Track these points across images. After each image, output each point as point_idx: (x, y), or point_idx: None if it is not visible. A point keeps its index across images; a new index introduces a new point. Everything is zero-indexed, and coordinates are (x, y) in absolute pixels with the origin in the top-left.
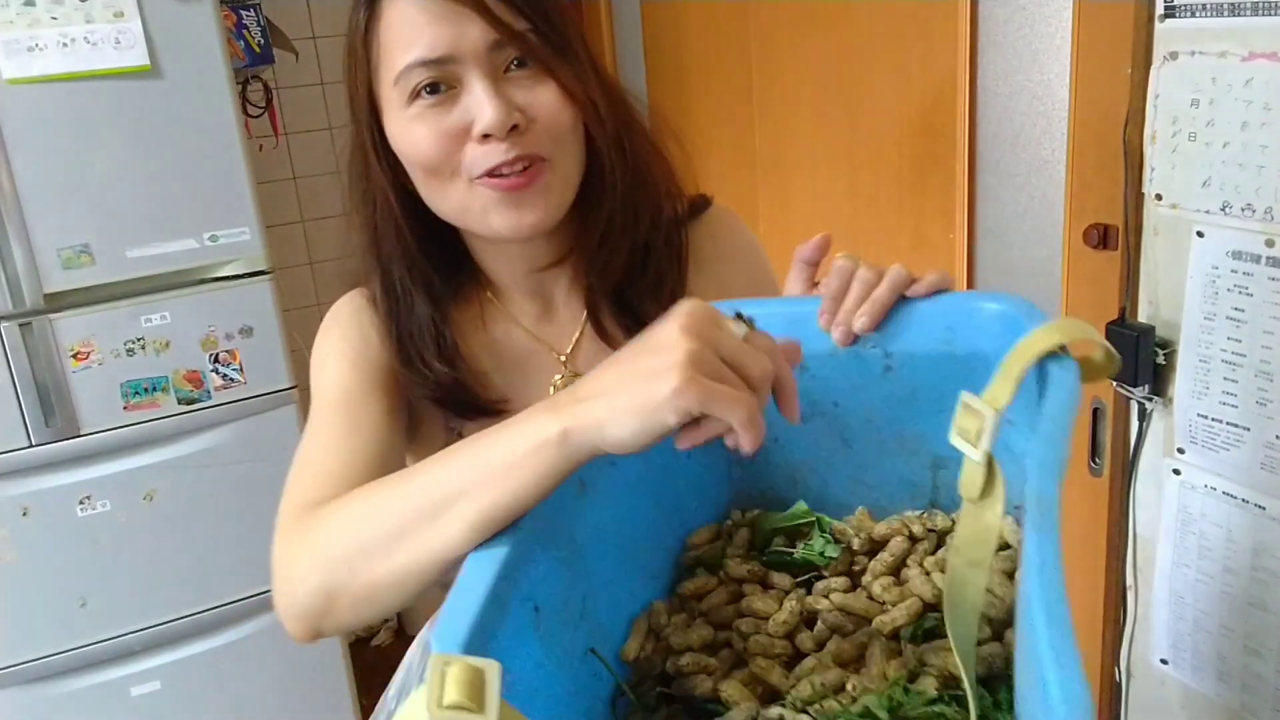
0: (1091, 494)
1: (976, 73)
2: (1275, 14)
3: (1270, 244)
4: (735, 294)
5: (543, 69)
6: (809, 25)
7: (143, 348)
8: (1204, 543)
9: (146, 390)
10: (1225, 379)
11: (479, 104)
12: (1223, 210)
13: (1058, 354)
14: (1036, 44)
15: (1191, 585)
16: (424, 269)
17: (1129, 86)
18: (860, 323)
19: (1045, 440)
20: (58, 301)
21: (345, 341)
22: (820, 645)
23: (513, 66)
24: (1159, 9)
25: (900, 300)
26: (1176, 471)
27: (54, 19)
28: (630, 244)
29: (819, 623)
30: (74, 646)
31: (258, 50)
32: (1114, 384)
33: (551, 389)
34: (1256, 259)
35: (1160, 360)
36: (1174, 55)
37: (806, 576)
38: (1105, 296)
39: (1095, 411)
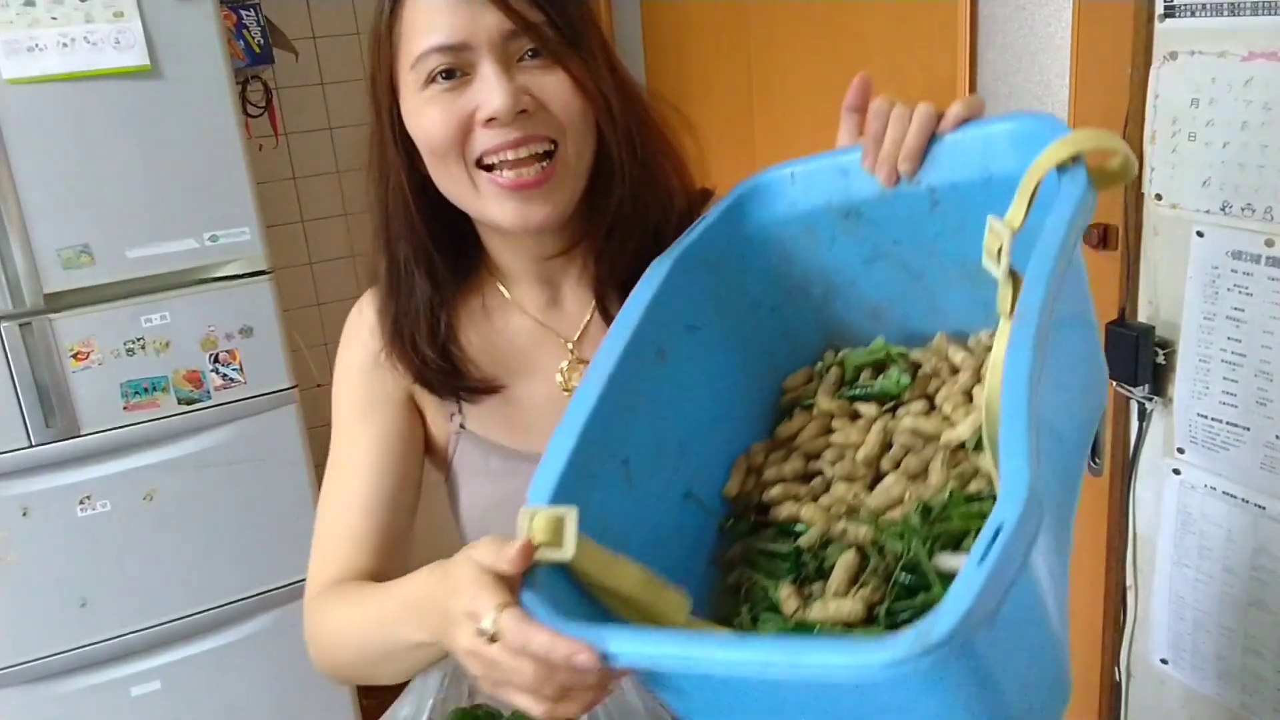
0: (1091, 494)
1: (976, 73)
2: (1275, 14)
3: (1270, 244)
4: None
5: (554, 59)
6: (809, 25)
7: (143, 348)
8: (1204, 543)
9: (146, 390)
10: (1225, 379)
11: (488, 88)
12: (1223, 210)
13: (1069, 165)
14: (1036, 44)
15: (1191, 585)
16: (428, 251)
17: (1129, 86)
18: (903, 167)
19: (1039, 253)
20: (58, 301)
21: (356, 356)
22: (897, 465)
23: (526, 56)
24: (1159, 9)
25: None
26: (1176, 471)
27: (54, 19)
28: (639, 234)
29: (895, 444)
30: (74, 646)
31: (258, 50)
32: (1114, 384)
33: (559, 375)
34: (1256, 259)
35: (1160, 360)
36: (1174, 55)
37: (891, 405)
38: (1105, 296)
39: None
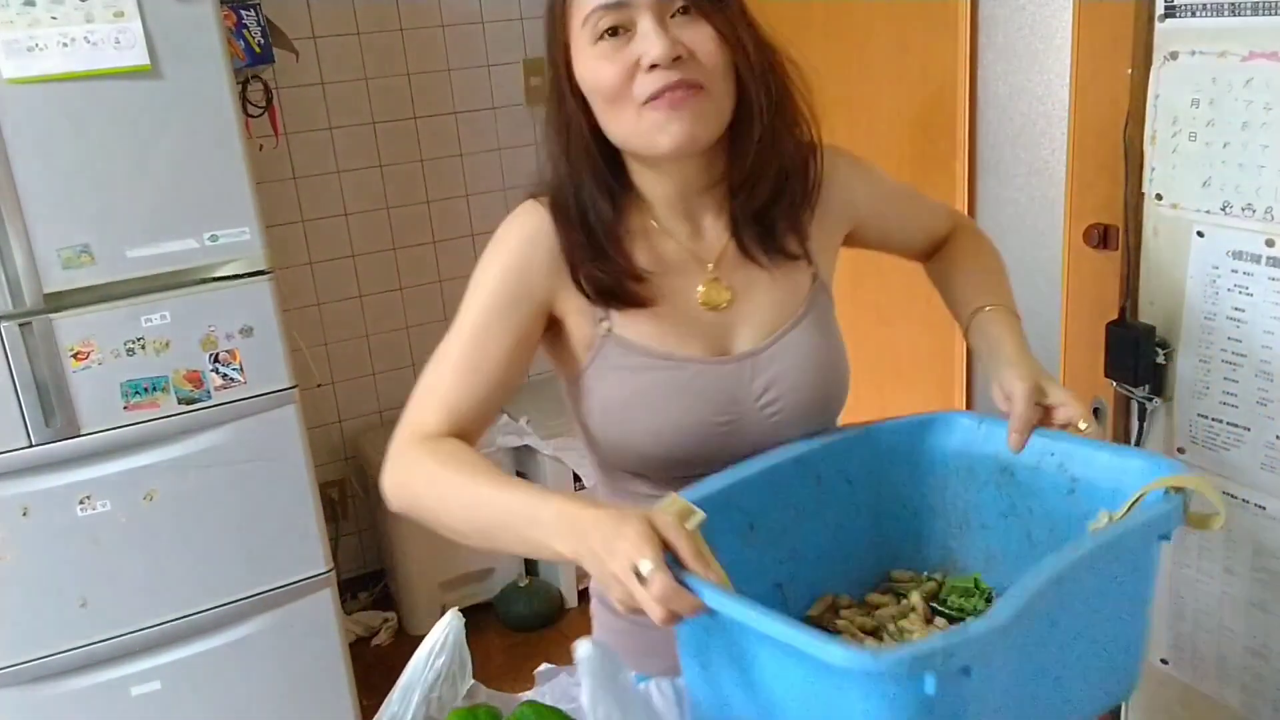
0: None
1: (976, 73)
2: (1275, 14)
3: (1270, 244)
4: (854, 214)
5: (701, 15)
6: (809, 25)
7: (143, 348)
8: (1204, 543)
9: (146, 390)
10: (1225, 379)
11: (648, 39)
12: (1223, 210)
13: (1176, 492)
14: (1036, 44)
15: (1191, 585)
16: (607, 179)
17: (1129, 86)
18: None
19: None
20: (58, 301)
21: (510, 256)
22: None
23: (677, 13)
24: (1159, 9)
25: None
26: None
27: (54, 19)
28: (774, 173)
29: None
30: (74, 646)
31: (258, 50)
32: (1114, 384)
33: (698, 289)
34: (1256, 259)
35: (1160, 360)
36: (1174, 55)
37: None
38: (1105, 296)
39: (1095, 411)
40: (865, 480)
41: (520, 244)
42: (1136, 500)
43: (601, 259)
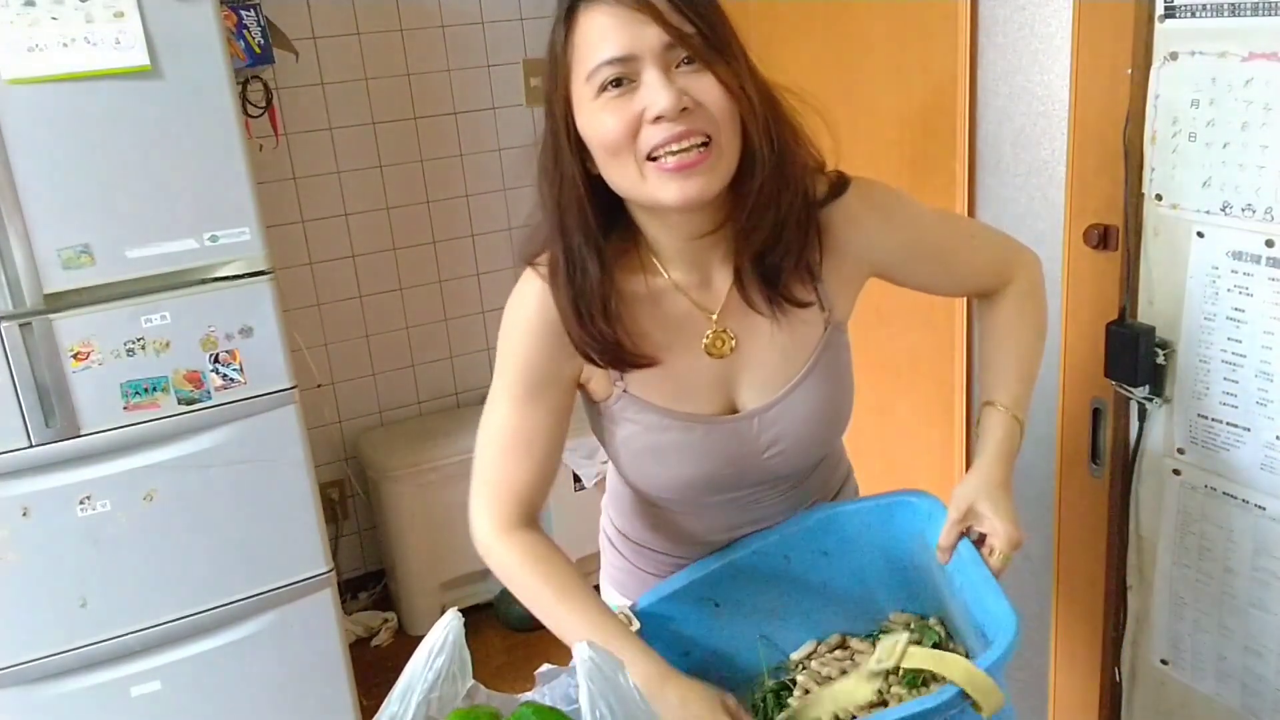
0: (1091, 494)
1: (976, 73)
2: (1275, 14)
3: (1270, 244)
4: (876, 259)
5: (706, 65)
6: (809, 25)
7: (143, 348)
8: (1204, 543)
9: (146, 390)
10: (1225, 379)
11: (654, 91)
12: (1223, 210)
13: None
14: (1036, 44)
15: (1191, 585)
16: (597, 240)
17: (1129, 86)
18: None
19: None
20: (58, 301)
21: (525, 350)
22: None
23: (682, 64)
24: (1159, 9)
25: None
26: (1176, 472)
27: (54, 19)
28: (774, 216)
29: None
30: (74, 646)
31: (258, 50)
32: (1114, 384)
33: (702, 341)
34: (1256, 259)
35: (1160, 360)
36: (1174, 55)
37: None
38: (1105, 296)
39: (1095, 412)
40: (841, 550)
41: (531, 335)
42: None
43: (593, 325)
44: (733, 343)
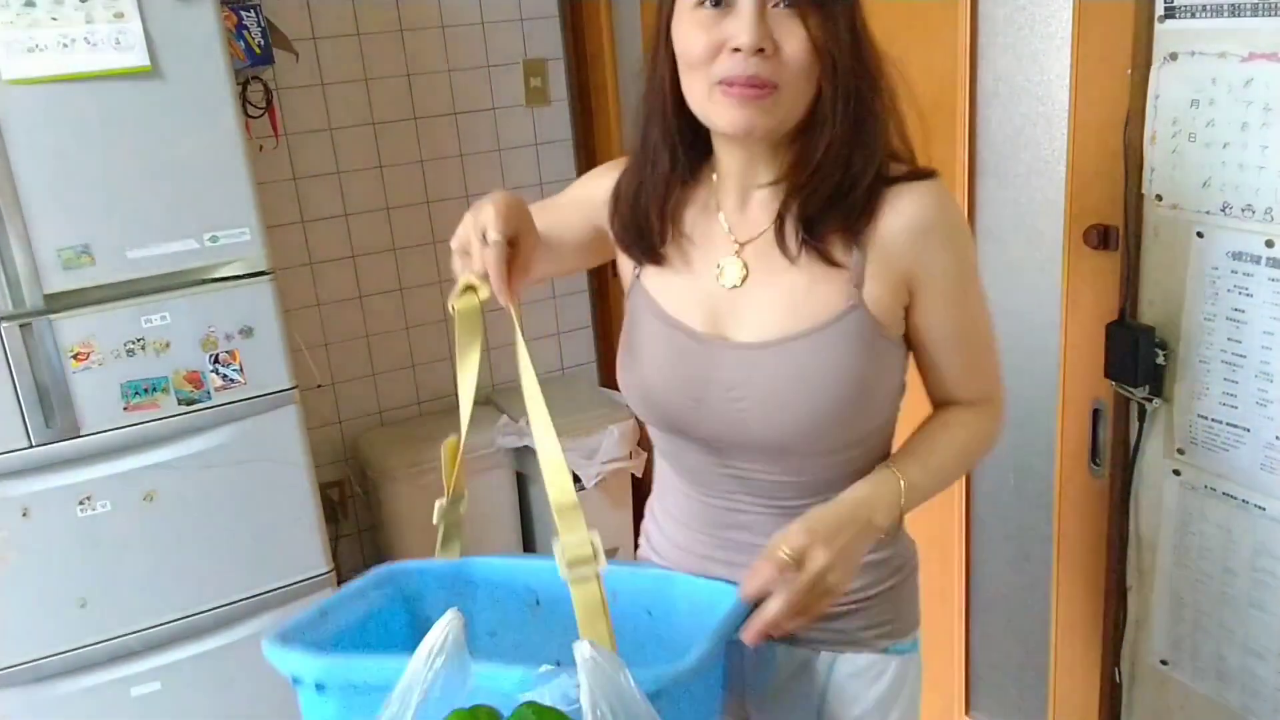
0: (1091, 494)
1: (976, 73)
2: (1275, 14)
3: (1270, 244)
4: (895, 270)
5: (799, 14)
6: None
7: (143, 348)
8: (1204, 543)
9: (146, 390)
10: (1225, 379)
11: (741, 23)
12: (1223, 210)
13: None
14: (1036, 44)
15: (1191, 585)
16: (674, 141)
17: (1129, 86)
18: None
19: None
20: (58, 302)
21: (587, 177)
22: None
23: (782, 4)
24: (1159, 9)
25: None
26: (1176, 472)
27: (54, 19)
28: (835, 181)
29: None
30: (74, 647)
31: (258, 51)
32: (1114, 384)
33: (717, 267)
34: (1256, 259)
35: (1160, 360)
36: (1174, 55)
37: None
38: (1105, 296)
39: (1095, 412)
40: (665, 614)
41: (595, 175)
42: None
43: (641, 215)
44: (743, 274)
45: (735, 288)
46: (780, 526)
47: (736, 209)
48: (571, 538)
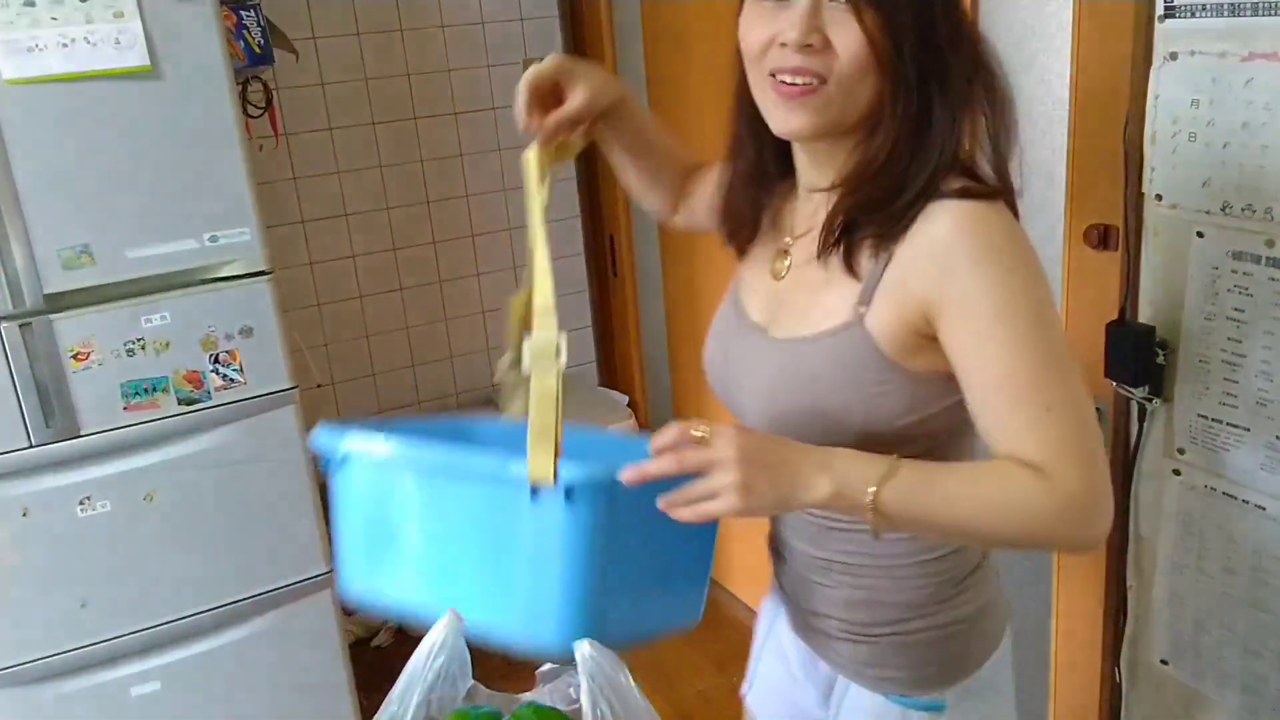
0: None
1: None
2: (1275, 14)
3: (1270, 244)
4: (910, 291)
5: (854, 11)
6: None
7: (143, 348)
8: (1204, 543)
9: (146, 390)
10: (1225, 379)
11: (793, 17)
12: (1223, 210)
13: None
14: (1036, 44)
15: (1191, 585)
16: (756, 131)
17: (1129, 86)
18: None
19: None
20: (58, 302)
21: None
22: None
23: (839, 1)
24: (1159, 9)
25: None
26: (1177, 472)
27: (54, 19)
28: (884, 190)
29: None
30: (74, 647)
31: (258, 50)
32: (1114, 384)
33: (770, 261)
34: (1256, 259)
35: (1160, 360)
36: (1174, 55)
37: None
38: (1105, 296)
39: (1096, 412)
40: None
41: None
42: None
43: (728, 198)
44: (785, 268)
45: (780, 280)
46: (787, 522)
47: (803, 207)
48: (541, 335)
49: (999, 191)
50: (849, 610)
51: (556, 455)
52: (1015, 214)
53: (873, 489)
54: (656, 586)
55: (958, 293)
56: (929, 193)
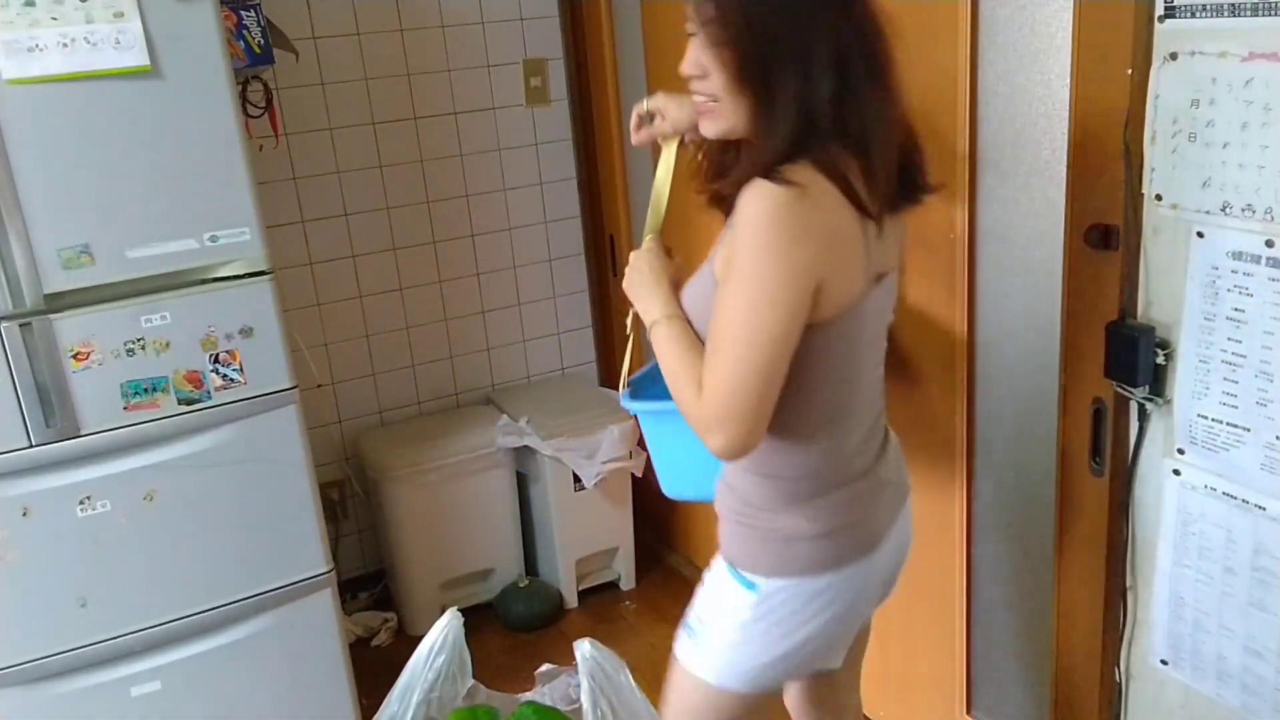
0: (1091, 494)
1: (976, 73)
2: (1275, 14)
3: (1270, 244)
4: (725, 250)
5: (711, 45)
6: None
7: (143, 348)
8: (1204, 543)
9: (146, 390)
10: (1225, 379)
11: (687, 54)
12: (1223, 210)
13: None
14: (1036, 44)
15: (1191, 585)
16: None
17: (1129, 86)
18: None
19: None
20: (58, 301)
21: None
22: None
23: (707, 44)
24: (1159, 9)
25: None
26: (1176, 472)
27: (54, 19)
28: (742, 174)
29: None
30: (74, 646)
31: (258, 50)
32: (1114, 384)
33: None
34: (1256, 259)
35: (1160, 360)
36: (1174, 55)
37: None
38: (1105, 296)
39: (1096, 412)
40: None
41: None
42: None
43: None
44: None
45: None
46: None
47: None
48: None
49: (794, 182)
50: (719, 496)
51: (624, 383)
52: (868, 214)
53: (654, 318)
54: (699, 470)
55: (729, 251)
56: (758, 174)
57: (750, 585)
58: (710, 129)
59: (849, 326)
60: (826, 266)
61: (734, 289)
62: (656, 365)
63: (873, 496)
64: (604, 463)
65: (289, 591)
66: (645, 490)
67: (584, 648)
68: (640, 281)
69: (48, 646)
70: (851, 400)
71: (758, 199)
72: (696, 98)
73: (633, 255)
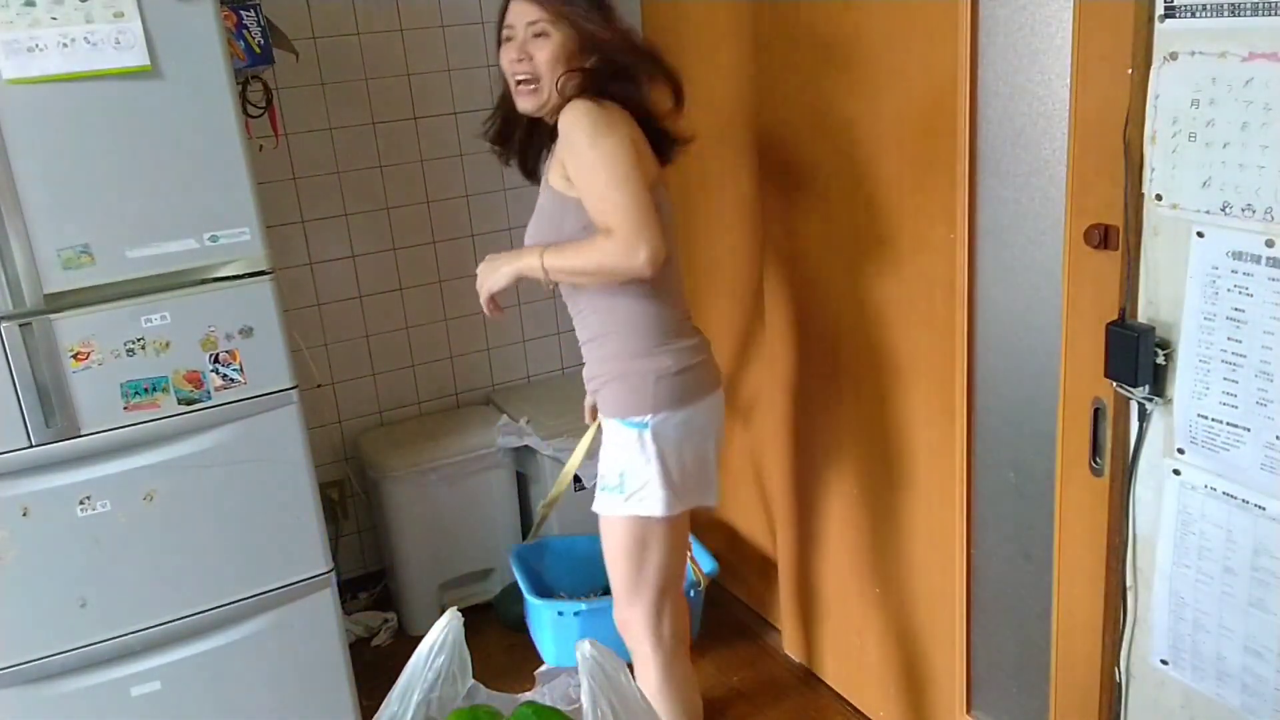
0: (1091, 494)
1: (976, 73)
2: (1275, 14)
3: (1270, 244)
4: (558, 159)
5: (543, 37)
6: (809, 25)
7: (143, 348)
8: (1204, 543)
9: (146, 390)
10: (1225, 379)
11: (512, 50)
12: (1223, 210)
13: None
14: (1036, 44)
15: (1191, 585)
16: (508, 105)
17: (1129, 86)
18: None
19: None
20: (58, 301)
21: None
22: None
23: (534, 36)
24: (1159, 9)
25: None
26: (1176, 472)
27: (54, 19)
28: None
29: None
30: (74, 646)
31: (258, 50)
32: (1114, 384)
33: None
34: (1256, 259)
35: (1160, 360)
36: (1174, 55)
37: None
38: (1105, 296)
39: (1096, 412)
40: None
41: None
42: None
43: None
44: (546, 167)
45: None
46: (579, 341)
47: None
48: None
49: (577, 97)
50: (596, 375)
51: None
52: (671, 146)
53: (533, 261)
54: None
55: (567, 148)
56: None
57: (641, 425)
58: (531, 104)
59: (659, 198)
60: (636, 137)
61: (589, 161)
62: (548, 539)
63: (706, 350)
64: None
65: (289, 591)
66: None
67: (584, 648)
68: (493, 265)
69: (48, 646)
70: (677, 268)
71: (578, 106)
72: (517, 78)
73: (478, 269)
